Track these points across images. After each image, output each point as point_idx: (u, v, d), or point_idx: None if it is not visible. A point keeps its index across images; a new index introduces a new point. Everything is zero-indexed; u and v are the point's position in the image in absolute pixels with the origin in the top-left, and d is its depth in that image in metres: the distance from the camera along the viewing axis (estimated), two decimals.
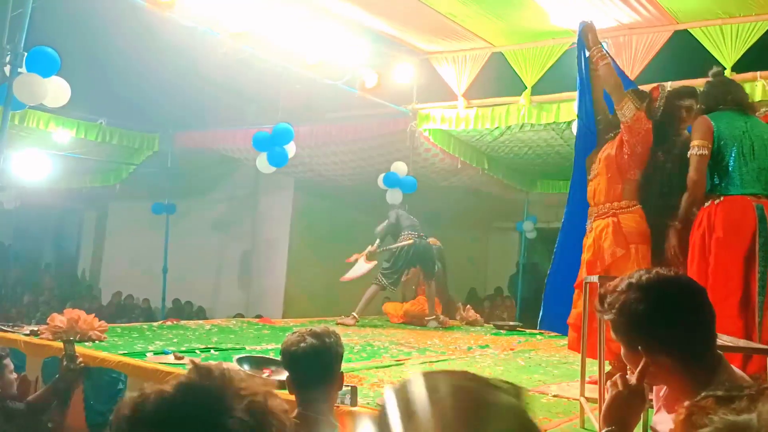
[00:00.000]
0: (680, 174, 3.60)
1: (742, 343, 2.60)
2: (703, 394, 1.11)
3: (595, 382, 2.96)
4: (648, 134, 3.70)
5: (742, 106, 3.52)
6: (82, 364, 3.69)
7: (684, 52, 6.32)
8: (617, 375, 1.61)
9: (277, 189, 10.21)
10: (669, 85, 3.97)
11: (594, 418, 2.74)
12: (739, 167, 3.33)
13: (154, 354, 4.14)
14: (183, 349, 4.42)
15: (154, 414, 0.96)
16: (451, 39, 7.27)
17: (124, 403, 1.00)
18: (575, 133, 4.72)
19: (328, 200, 10.27)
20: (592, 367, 3.01)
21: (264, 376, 3.38)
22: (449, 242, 8.77)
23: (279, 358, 2.48)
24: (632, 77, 5.77)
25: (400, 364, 4.37)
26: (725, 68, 5.64)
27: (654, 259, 3.58)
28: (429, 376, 0.82)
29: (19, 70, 4.79)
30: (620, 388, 1.57)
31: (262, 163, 7.44)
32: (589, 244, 3.76)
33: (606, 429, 1.54)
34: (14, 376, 3.56)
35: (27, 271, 13.71)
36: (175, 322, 6.24)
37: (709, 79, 3.65)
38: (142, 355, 4.08)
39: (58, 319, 4.46)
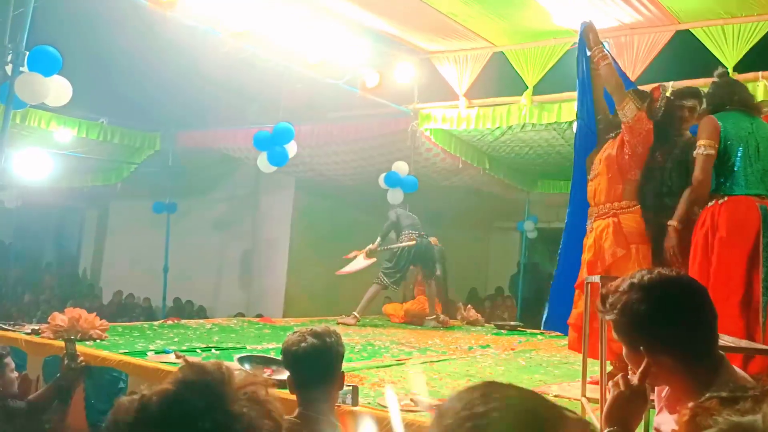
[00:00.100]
0: (680, 174, 3.60)
1: (744, 343, 2.60)
2: (707, 395, 1.10)
3: (596, 383, 2.95)
4: (649, 134, 3.69)
5: (748, 107, 3.52)
6: (83, 363, 3.69)
7: (686, 53, 6.32)
8: (619, 375, 1.61)
9: (278, 188, 10.22)
10: (670, 85, 3.97)
11: (595, 418, 2.74)
12: (744, 168, 3.33)
13: (155, 353, 4.14)
14: (184, 348, 4.42)
15: (159, 413, 0.96)
16: (452, 38, 7.27)
17: (124, 407, 1.00)
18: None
19: (328, 200, 10.28)
20: (593, 368, 3.01)
21: (265, 375, 3.38)
22: (450, 242, 8.77)
23: (280, 357, 2.48)
24: (634, 77, 5.78)
25: (401, 364, 4.36)
26: (728, 69, 5.64)
27: (654, 260, 3.58)
28: (498, 389, 0.82)
29: (21, 69, 4.79)
30: (622, 388, 1.57)
31: (263, 162, 7.44)
32: (589, 244, 3.76)
33: (608, 429, 1.54)
34: (15, 374, 3.56)
35: (28, 270, 13.71)
36: (175, 321, 6.24)
37: (715, 79, 3.65)
38: (143, 354, 4.08)
39: (59, 318, 4.46)
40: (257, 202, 10.73)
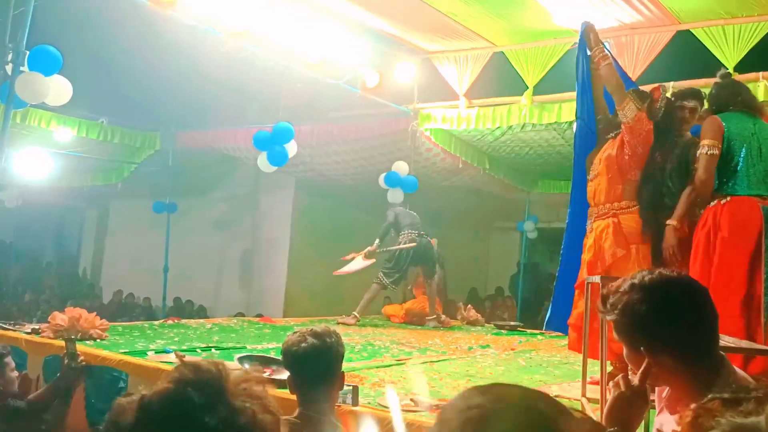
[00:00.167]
0: (680, 174, 3.60)
1: (745, 343, 2.60)
2: (709, 396, 1.10)
3: (596, 383, 2.95)
4: (649, 135, 3.69)
5: (751, 107, 3.53)
6: (84, 363, 3.69)
7: (686, 53, 6.32)
8: (620, 376, 1.61)
9: (278, 188, 10.22)
10: (670, 86, 3.97)
11: (596, 418, 2.74)
12: (747, 168, 3.34)
13: (156, 353, 4.14)
14: (184, 348, 4.42)
15: (160, 412, 0.96)
16: (452, 38, 7.27)
17: (123, 408, 0.99)
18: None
19: (329, 199, 10.28)
20: (593, 368, 3.01)
21: (265, 375, 3.38)
22: (450, 242, 8.78)
23: (280, 357, 2.48)
24: (634, 77, 5.77)
25: (401, 364, 4.36)
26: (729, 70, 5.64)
27: (654, 260, 3.58)
28: (503, 389, 0.82)
29: (21, 68, 4.79)
30: (623, 388, 1.57)
31: (263, 162, 7.44)
32: (589, 244, 3.76)
33: (608, 430, 1.54)
34: (15, 374, 3.55)
35: (28, 269, 13.73)
36: (176, 321, 6.23)
37: (718, 80, 3.65)
38: (143, 353, 4.07)
39: (60, 318, 4.46)
40: (257, 202, 10.73)
